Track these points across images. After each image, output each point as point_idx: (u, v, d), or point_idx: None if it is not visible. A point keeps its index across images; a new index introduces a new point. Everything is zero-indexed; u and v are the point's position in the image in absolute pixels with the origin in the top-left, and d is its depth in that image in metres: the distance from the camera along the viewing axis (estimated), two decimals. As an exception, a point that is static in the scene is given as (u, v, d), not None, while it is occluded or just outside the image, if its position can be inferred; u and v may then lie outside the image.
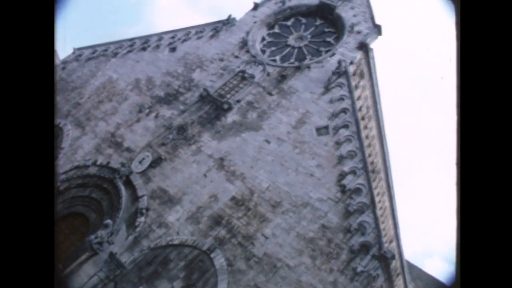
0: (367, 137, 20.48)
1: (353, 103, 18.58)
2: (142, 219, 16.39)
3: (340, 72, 19.53)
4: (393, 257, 15.21)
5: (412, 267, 26.37)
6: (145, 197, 17.12)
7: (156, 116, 20.35)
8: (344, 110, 18.44)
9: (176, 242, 15.61)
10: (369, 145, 20.64)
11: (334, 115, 18.25)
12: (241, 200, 16.40)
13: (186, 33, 24.37)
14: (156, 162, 18.28)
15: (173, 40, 24.16)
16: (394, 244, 22.31)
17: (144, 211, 16.61)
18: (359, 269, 14.39)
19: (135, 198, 17.17)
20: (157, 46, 23.99)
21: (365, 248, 14.89)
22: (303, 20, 23.68)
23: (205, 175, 17.39)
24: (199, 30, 24.41)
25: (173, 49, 23.60)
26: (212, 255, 15.03)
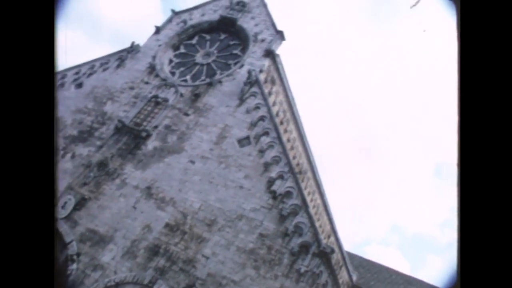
0: (288, 140, 20.97)
1: (269, 109, 18.94)
2: (74, 266, 15.57)
3: (251, 81, 19.85)
4: (332, 251, 15.60)
5: (353, 256, 27.18)
6: (74, 242, 16.29)
7: (73, 156, 19.51)
8: (262, 118, 18.73)
9: (115, 282, 14.98)
10: (292, 148, 21.14)
11: (253, 125, 18.49)
12: (175, 225, 16.10)
13: (91, 67, 23.68)
14: (80, 203, 17.49)
15: (77, 76, 23.37)
16: (332, 238, 22.93)
17: (75, 257, 15.79)
18: (303, 269, 14.60)
19: (63, 245, 16.29)
20: (62, 85, 23.07)
21: (304, 248, 15.14)
22: (207, 37, 23.86)
23: (134, 207, 16.89)
24: (104, 61, 23.82)
25: (79, 85, 22.82)
26: (154, 287, 14.59)
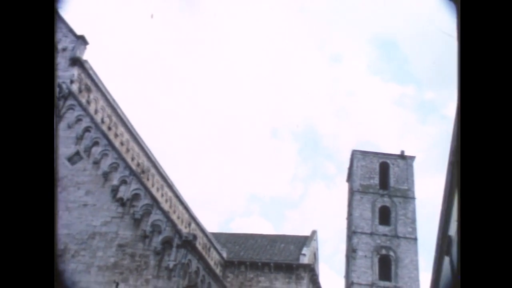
0: (122, 143, 20.30)
1: (92, 119, 18.03)
2: None
3: (64, 95, 18.54)
4: (195, 238, 15.80)
5: (219, 235, 27.85)
6: None
7: None
8: (87, 129, 17.75)
9: None
10: (128, 150, 20.55)
11: (79, 138, 17.43)
12: (23, 268, 14.63)
13: None
14: None
15: None
16: (193, 225, 23.13)
17: None
18: (171, 264, 14.53)
19: None
20: None
21: (167, 243, 15.04)
22: (1, 59, 21.54)
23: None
24: None
25: None
26: None
